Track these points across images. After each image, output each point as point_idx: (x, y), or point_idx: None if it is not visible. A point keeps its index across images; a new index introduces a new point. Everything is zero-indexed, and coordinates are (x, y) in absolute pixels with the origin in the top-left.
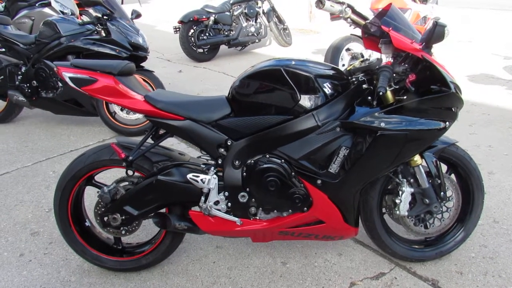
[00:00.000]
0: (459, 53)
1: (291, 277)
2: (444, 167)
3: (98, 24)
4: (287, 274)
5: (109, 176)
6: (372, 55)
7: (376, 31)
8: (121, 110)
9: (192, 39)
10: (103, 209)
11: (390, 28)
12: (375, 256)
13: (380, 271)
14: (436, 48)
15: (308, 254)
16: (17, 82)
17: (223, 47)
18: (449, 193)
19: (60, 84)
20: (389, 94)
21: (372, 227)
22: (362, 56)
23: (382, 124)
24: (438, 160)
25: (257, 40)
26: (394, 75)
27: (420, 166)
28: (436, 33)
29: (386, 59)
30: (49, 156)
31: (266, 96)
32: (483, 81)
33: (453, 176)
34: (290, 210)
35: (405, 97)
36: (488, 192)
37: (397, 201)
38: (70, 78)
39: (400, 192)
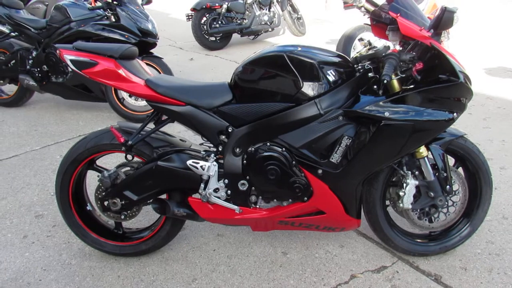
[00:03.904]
0: (477, 45)
1: (291, 267)
2: (451, 160)
3: (108, 9)
4: (287, 264)
5: (114, 161)
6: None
7: (385, 18)
8: (130, 96)
9: (205, 27)
10: (103, 194)
11: (398, 15)
12: (378, 249)
13: (382, 264)
14: (453, 39)
15: (309, 244)
16: (28, 67)
17: (235, 36)
18: (455, 187)
19: (69, 69)
20: (395, 82)
21: (375, 220)
22: (370, 44)
23: (387, 114)
24: (445, 152)
25: (270, 29)
26: (401, 63)
27: (426, 158)
28: (444, 19)
29: (393, 46)
30: (57, 141)
31: (268, 82)
32: (500, 75)
33: (460, 169)
34: (290, 200)
35: (412, 87)
36: (499, 188)
37: (401, 193)
38: (71, 60)
39: (404, 185)
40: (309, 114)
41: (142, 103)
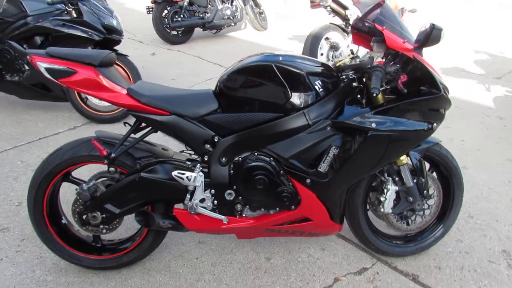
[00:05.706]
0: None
1: (276, 272)
2: (426, 165)
3: (69, 4)
4: (272, 270)
5: (86, 169)
6: (348, 50)
7: (364, 27)
8: None
9: (166, 20)
10: (81, 207)
11: (384, 27)
12: (357, 250)
13: (363, 266)
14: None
15: (291, 249)
16: None
17: (197, 30)
18: (431, 191)
19: (26, 67)
20: (380, 94)
21: (357, 224)
22: (352, 53)
23: (373, 125)
24: (422, 159)
25: (232, 24)
26: (386, 75)
27: (406, 165)
28: (433, 36)
29: (377, 58)
30: (15, 145)
31: (255, 92)
32: (455, 74)
33: (434, 174)
34: (277, 208)
35: (393, 97)
36: None
37: (382, 198)
38: (46, 69)
39: (385, 190)
40: (298, 125)
41: (107, 103)
